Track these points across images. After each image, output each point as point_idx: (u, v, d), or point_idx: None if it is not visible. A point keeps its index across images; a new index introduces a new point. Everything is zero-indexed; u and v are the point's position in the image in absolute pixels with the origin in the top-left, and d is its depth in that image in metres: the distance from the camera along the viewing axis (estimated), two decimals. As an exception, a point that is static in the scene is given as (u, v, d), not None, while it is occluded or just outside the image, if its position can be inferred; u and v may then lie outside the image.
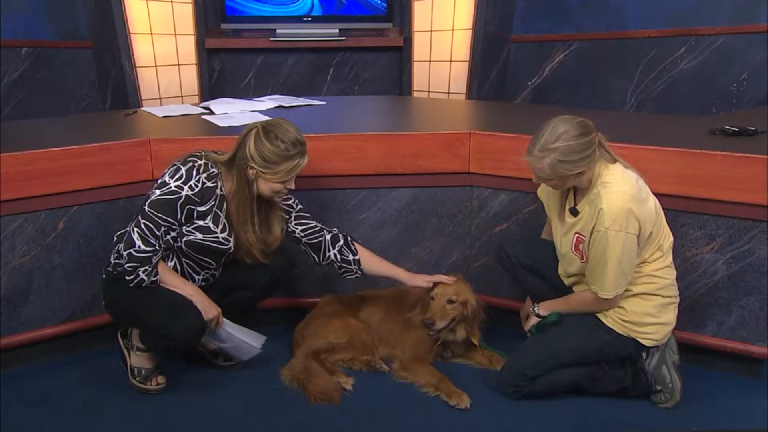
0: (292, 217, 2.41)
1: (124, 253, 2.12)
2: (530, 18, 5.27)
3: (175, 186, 2.14)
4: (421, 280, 2.45)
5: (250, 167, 2.17)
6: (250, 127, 2.20)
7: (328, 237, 2.44)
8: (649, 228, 2.07)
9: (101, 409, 2.23)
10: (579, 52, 5.05)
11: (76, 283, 2.50)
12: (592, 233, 2.08)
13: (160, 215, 2.13)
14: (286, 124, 2.21)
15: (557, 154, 2.00)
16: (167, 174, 2.17)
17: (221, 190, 2.23)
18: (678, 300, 2.21)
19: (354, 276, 2.48)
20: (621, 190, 2.04)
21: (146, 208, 2.14)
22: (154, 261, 2.14)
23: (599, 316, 2.19)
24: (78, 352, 2.56)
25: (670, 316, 2.19)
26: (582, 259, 2.15)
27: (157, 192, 2.15)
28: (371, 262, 2.47)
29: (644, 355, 2.21)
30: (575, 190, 2.19)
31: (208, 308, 2.23)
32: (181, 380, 2.38)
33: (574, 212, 2.16)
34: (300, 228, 2.42)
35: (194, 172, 2.17)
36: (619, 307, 2.16)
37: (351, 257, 2.43)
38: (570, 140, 2.00)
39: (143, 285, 2.15)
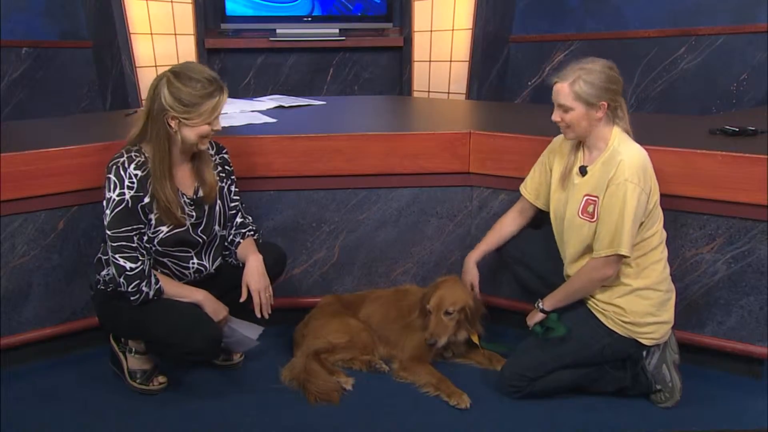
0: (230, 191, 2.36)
1: (121, 280, 2.10)
2: (530, 18, 5.27)
3: (117, 195, 2.09)
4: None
5: (171, 117, 2.06)
6: (158, 76, 2.10)
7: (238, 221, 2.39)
8: (655, 197, 2.11)
9: (101, 409, 2.23)
10: (579, 52, 5.03)
11: (76, 283, 2.50)
12: (607, 187, 2.08)
13: (123, 229, 2.10)
14: (195, 64, 2.13)
15: (588, 75, 2.07)
16: (105, 189, 2.11)
17: None
18: (674, 295, 2.22)
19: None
20: (640, 149, 2.12)
21: (109, 232, 2.10)
22: (147, 270, 2.13)
23: (600, 317, 2.19)
24: (78, 352, 2.56)
25: (669, 314, 2.19)
26: (593, 218, 2.13)
27: (108, 211, 2.10)
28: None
29: (644, 354, 2.21)
30: (584, 151, 2.21)
31: (218, 310, 2.23)
32: (181, 380, 2.38)
33: (583, 171, 2.17)
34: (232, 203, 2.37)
35: (122, 172, 2.09)
36: (618, 307, 2.16)
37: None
38: (600, 68, 2.10)
39: (150, 298, 2.13)
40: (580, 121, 2.11)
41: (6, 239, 2.34)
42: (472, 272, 2.48)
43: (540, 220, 2.48)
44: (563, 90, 2.10)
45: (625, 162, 2.06)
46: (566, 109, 2.11)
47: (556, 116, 2.15)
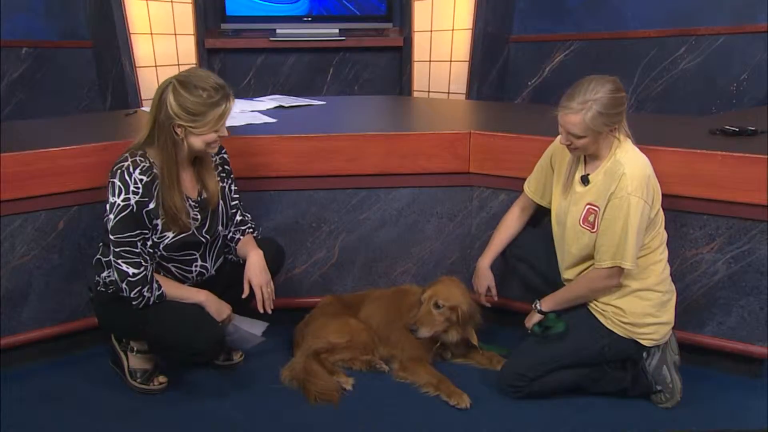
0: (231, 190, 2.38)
1: (123, 285, 2.09)
2: (530, 18, 5.27)
3: (122, 200, 2.07)
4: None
5: (177, 125, 2.06)
6: (164, 84, 2.08)
7: (238, 218, 2.40)
8: (657, 205, 2.10)
9: (101, 409, 2.23)
10: (579, 52, 5.05)
11: (76, 283, 2.50)
12: (609, 200, 2.07)
13: (128, 234, 2.08)
14: (201, 72, 2.12)
15: (598, 105, 2.01)
16: (110, 194, 2.10)
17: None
18: (674, 295, 2.22)
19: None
20: (641, 158, 2.10)
21: (112, 237, 2.09)
22: (149, 276, 2.12)
23: (599, 318, 2.19)
24: (78, 351, 2.56)
25: (670, 315, 2.19)
26: (593, 228, 2.13)
27: (112, 216, 2.08)
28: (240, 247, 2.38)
29: (645, 355, 2.21)
30: (585, 160, 2.19)
31: (221, 310, 2.22)
32: (181, 380, 2.38)
33: (585, 180, 2.16)
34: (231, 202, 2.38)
35: (127, 177, 2.07)
36: (617, 308, 2.16)
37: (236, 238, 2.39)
38: (609, 93, 2.03)
39: (151, 303, 2.13)
40: (590, 145, 2.10)
41: (6, 239, 2.34)
42: (487, 276, 2.49)
43: (539, 217, 2.48)
44: (573, 121, 2.05)
45: (627, 176, 2.04)
46: (577, 137, 2.08)
47: (564, 140, 2.12)
